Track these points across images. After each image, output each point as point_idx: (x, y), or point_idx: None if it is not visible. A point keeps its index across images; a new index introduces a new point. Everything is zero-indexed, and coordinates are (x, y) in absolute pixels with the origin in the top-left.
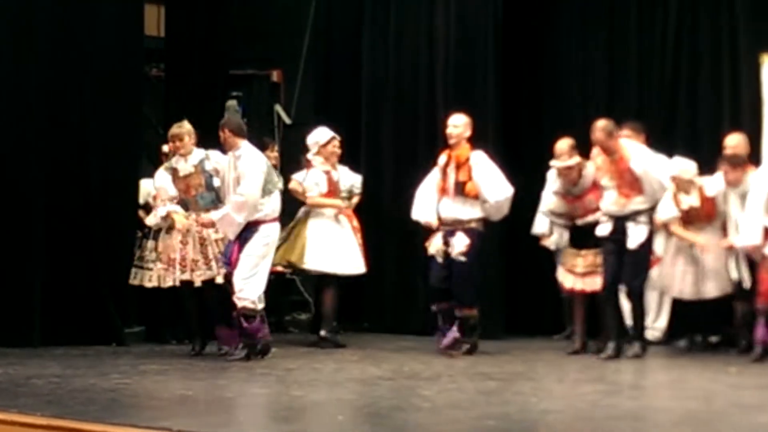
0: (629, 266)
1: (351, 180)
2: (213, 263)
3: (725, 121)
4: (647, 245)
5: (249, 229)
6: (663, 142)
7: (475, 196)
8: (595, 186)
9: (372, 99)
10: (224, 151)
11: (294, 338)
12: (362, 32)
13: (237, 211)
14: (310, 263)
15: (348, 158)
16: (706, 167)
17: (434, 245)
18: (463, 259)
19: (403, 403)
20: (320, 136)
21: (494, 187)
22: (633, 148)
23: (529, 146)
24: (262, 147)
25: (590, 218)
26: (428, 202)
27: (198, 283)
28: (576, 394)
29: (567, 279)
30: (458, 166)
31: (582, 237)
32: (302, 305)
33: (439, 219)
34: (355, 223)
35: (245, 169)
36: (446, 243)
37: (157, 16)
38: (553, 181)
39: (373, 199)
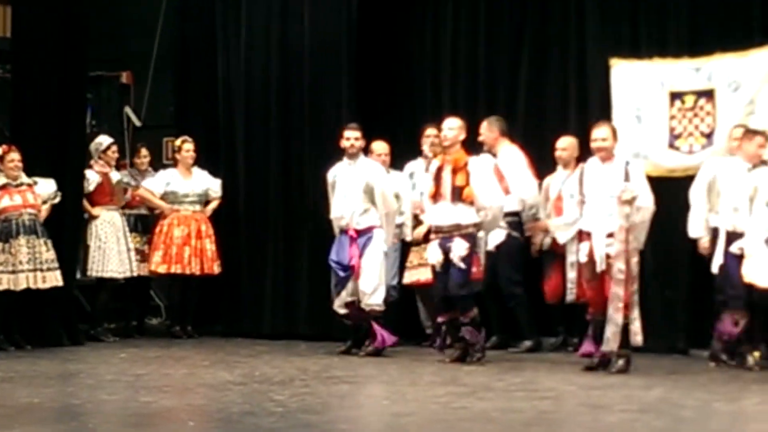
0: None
1: (207, 184)
2: None
3: (571, 123)
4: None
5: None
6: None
7: (471, 201)
8: None
9: (227, 104)
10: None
11: (145, 343)
12: (216, 36)
13: None
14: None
15: (206, 162)
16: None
17: (433, 255)
18: (463, 265)
19: (255, 408)
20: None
21: (491, 194)
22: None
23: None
24: (134, 152)
25: None
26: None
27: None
28: (429, 396)
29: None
30: (455, 171)
31: None
32: (153, 310)
33: (433, 227)
34: (205, 227)
35: None
36: (444, 251)
37: (2, 17)
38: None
39: (230, 203)
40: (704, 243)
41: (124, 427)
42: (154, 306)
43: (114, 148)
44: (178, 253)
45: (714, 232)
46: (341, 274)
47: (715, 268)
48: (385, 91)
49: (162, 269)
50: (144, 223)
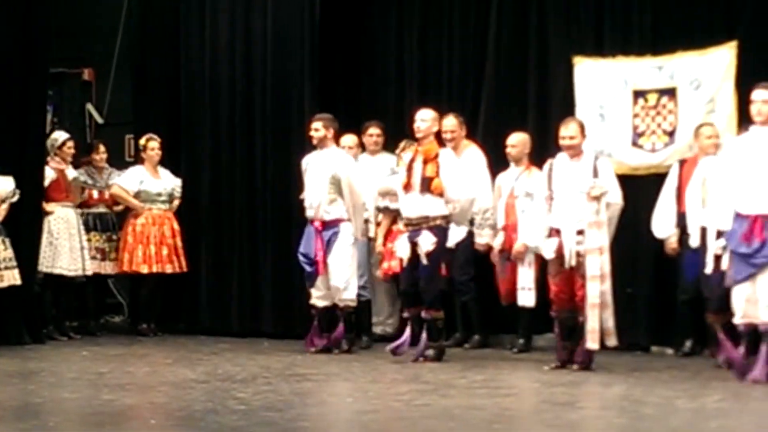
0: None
1: (173, 182)
2: None
3: (532, 121)
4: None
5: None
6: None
7: (440, 193)
8: None
9: (190, 101)
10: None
11: (107, 341)
12: (179, 33)
13: None
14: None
15: (168, 160)
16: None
17: (402, 249)
18: (425, 262)
19: (217, 406)
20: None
21: (460, 186)
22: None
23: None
24: (90, 148)
25: None
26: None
27: None
28: (391, 393)
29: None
30: (425, 162)
31: None
32: (116, 308)
33: (403, 218)
34: (176, 225)
35: None
36: (413, 244)
37: None
38: None
39: (192, 200)
40: (672, 243)
41: (86, 425)
42: (116, 304)
43: (70, 144)
44: (157, 252)
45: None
46: (308, 269)
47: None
48: (348, 85)
49: (144, 269)
50: (103, 221)
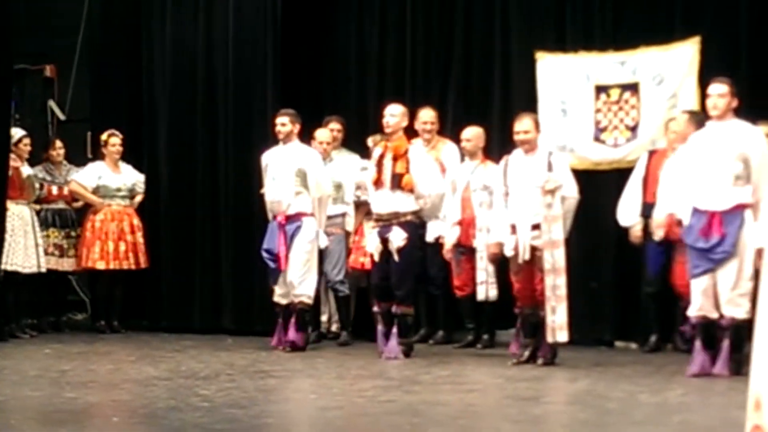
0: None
1: (135, 178)
2: None
3: (495, 116)
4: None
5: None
6: None
7: (410, 189)
8: None
9: (151, 98)
10: None
11: (69, 339)
12: (140, 29)
13: None
14: None
15: (129, 156)
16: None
17: (372, 244)
18: (396, 258)
19: (180, 404)
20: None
21: (430, 181)
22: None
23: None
24: (47, 144)
25: None
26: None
27: None
28: (355, 389)
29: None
30: (395, 158)
31: None
32: (78, 305)
33: (374, 214)
34: (136, 221)
35: None
36: (383, 239)
37: None
38: None
39: (153, 197)
40: (636, 231)
41: (48, 423)
42: (79, 301)
43: (26, 141)
44: (115, 249)
45: None
46: (271, 265)
47: None
48: (310, 80)
49: (101, 265)
50: (62, 217)
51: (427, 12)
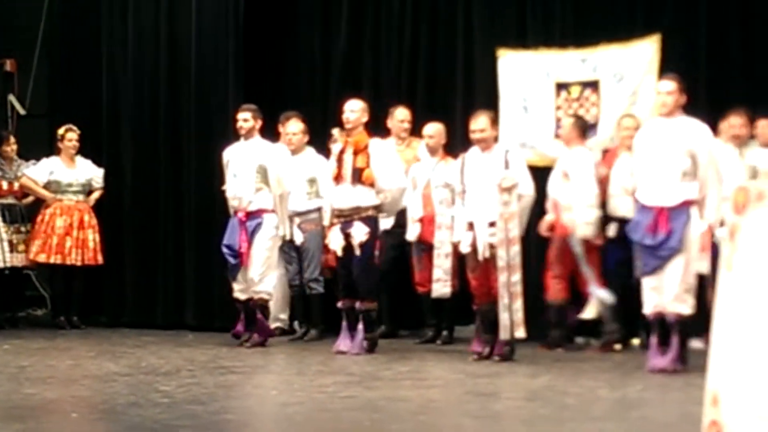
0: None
1: (91, 173)
2: None
3: (457, 112)
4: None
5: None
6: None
7: (371, 184)
8: None
9: (112, 93)
10: None
11: (29, 335)
12: (101, 24)
13: None
14: None
15: (90, 151)
16: None
17: (335, 241)
18: (358, 252)
19: (141, 399)
20: None
21: (390, 176)
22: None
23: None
24: (0, 140)
25: None
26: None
27: None
28: (315, 385)
29: None
30: (356, 153)
31: None
32: (38, 301)
33: (335, 210)
34: (87, 217)
35: None
36: (345, 235)
37: None
38: None
39: (114, 192)
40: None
41: (7, 419)
42: (38, 297)
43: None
44: (59, 243)
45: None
46: (232, 261)
47: None
48: (273, 76)
49: (41, 258)
50: (12, 213)
51: (389, 9)
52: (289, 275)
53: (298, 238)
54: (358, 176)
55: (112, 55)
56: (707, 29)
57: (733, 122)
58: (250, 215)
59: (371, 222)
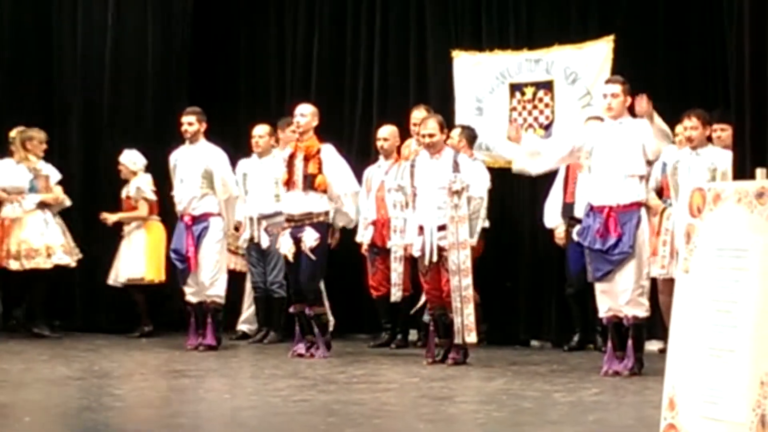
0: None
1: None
2: None
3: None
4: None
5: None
6: (349, 137)
7: (324, 189)
8: None
9: (61, 95)
10: None
11: None
12: (51, 26)
13: None
14: None
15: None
16: None
17: (285, 246)
18: (313, 256)
19: (93, 403)
20: None
21: (344, 181)
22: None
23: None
24: None
25: None
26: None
27: None
28: (269, 389)
29: None
30: (307, 158)
31: None
32: None
33: (286, 215)
34: None
35: None
36: (295, 240)
37: None
38: None
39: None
40: (559, 233)
41: None
42: None
43: None
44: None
45: None
46: (179, 265)
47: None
48: (226, 79)
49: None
50: None
51: (340, 9)
52: (253, 278)
53: (264, 242)
54: (310, 182)
55: (62, 56)
56: (664, 29)
57: (686, 125)
58: (196, 219)
59: (322, 228)
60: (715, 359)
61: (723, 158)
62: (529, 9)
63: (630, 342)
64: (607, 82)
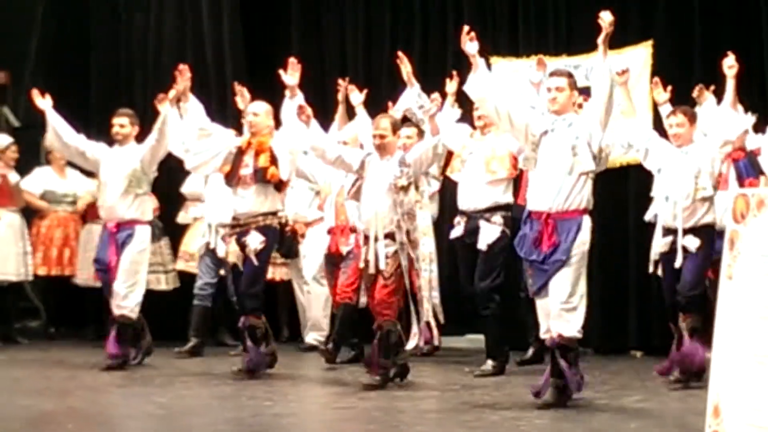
0: None
1: (79, 184)
2: None
3: None
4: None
5: (125, 230)
6: None
7: (278, 181)
8: None
9: (102, 103)
10: None
11: (23, 347)
12: (90, 35)
13: None
14: None
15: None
16: None
17: (231, 251)
18: (255, 261)
19: (136, 411)
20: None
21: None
22: None
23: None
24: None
25: None
26: None
27: None
28: (310, 396)
29: None
30: (257, 153)
31: None
32: (32, 312)
33: (231, 218)
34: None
35: None
36: (241, 245)
37: None
38: None
39: None
40: None
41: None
42: (32, 308)
43: (14, 148)
44: (59, 255)
45: None
46: (102, 276)
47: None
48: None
49: (42, 271)
50: None
51: (380, 12)
52: (199, 283)
53: (221, 251)
54: (261, 176)
55: (102, 68)
56: (701, 34)
57: (671, 122)
58: (121, 226)
59: (268, 232)
60: (760, 366)
61: (707, 159)
62: (568, 15)
63: (556, 362)
64: (552, 74)
